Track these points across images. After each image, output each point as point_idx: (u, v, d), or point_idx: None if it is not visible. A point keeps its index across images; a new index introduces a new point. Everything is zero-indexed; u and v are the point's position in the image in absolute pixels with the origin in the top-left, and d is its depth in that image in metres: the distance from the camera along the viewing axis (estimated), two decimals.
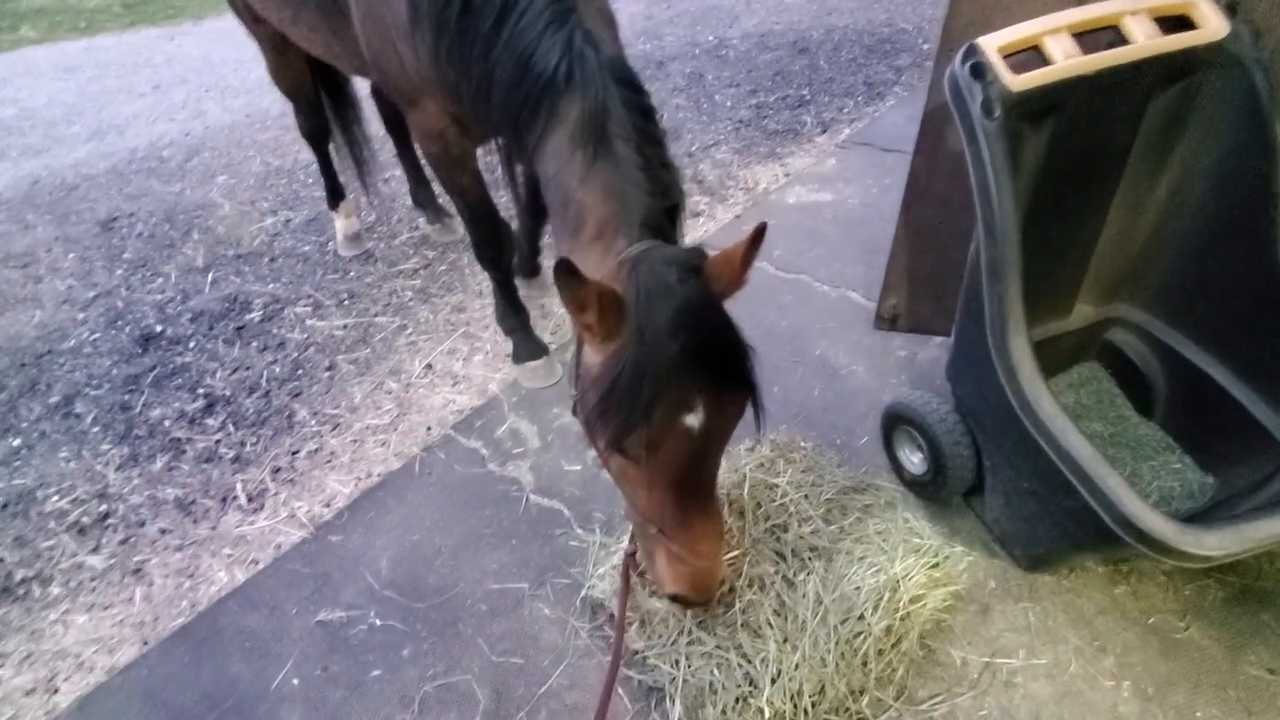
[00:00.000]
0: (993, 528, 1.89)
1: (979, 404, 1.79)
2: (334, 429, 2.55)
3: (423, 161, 3.28)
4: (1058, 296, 2.04)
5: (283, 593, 2.00)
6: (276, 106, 5.44)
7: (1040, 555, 1.77)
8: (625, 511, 1.77)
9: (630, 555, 1.67)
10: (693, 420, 1.18)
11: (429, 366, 2.79)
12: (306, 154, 4.57)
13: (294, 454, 2.47)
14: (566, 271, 1.11)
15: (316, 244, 3.71)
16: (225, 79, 6.48)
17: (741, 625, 1.58)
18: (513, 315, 2.64)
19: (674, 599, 1.48)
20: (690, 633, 1.60)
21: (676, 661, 1.57)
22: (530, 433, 2.43)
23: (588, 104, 1.43)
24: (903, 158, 2.13)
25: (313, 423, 2.59)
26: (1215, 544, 1.29)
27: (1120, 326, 2.09)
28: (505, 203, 3.03)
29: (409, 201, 3.73)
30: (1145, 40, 1.56)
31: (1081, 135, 1.69)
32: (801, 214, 3.47)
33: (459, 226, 3.58)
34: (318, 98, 3.19)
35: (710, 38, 6.23)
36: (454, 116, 2.01)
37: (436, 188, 3.55)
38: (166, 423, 2.67)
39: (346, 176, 3.50)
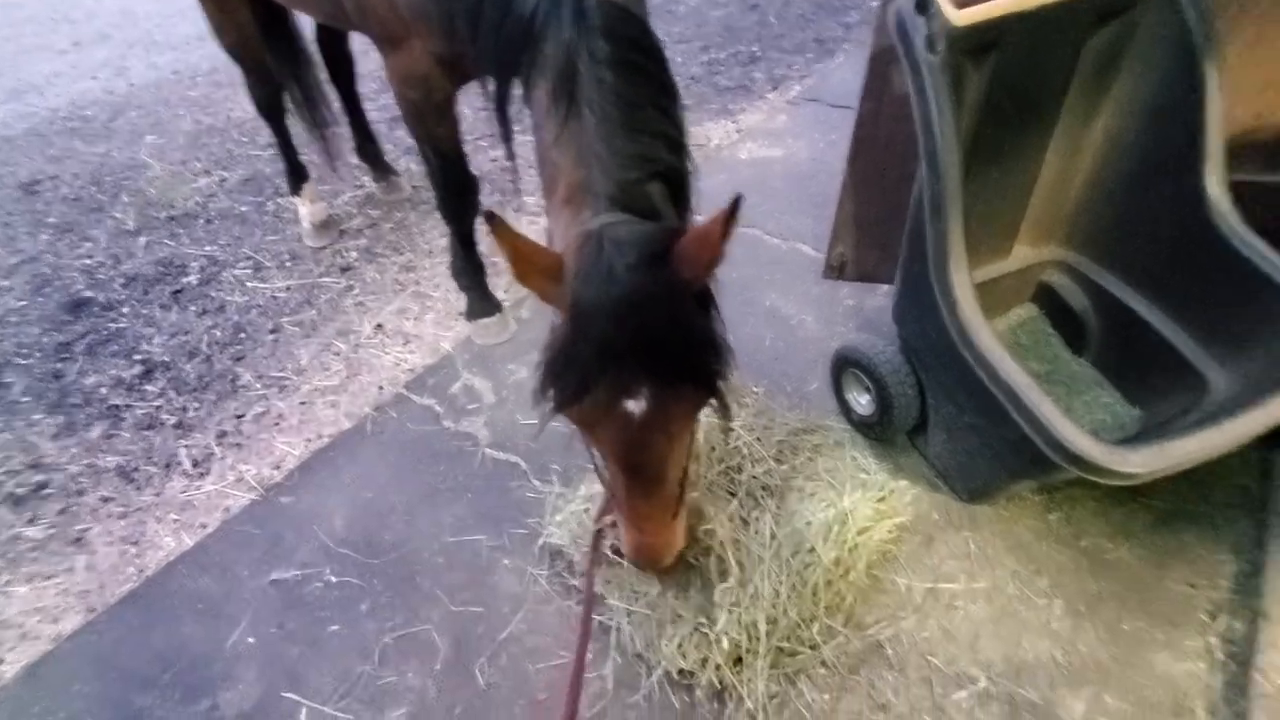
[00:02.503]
0: (935, 463, 1.94)
1: (922, 342, 1.81)
2: (280, 392, 2.45)
3: (373, 113, 3.00)
4: (997, 239, 2.07)
5: (233, 554, 1.93)
6: (206, 63, 5.11)
7: (979, 487, 1.82)
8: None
9: (598, 532, 1.65)
10: (633, 407, 1.09)
11: (379, 326, 2.69)
12: (240, 110, 4.33)
13: (239, 418, 2.37)
14: (499, 223, 1.01)
15: (254, 204, 3.52)
16: (150, 34, 6.03)
17: (698, 560, 1.59)
18: (470, 272, 2.53)
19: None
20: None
21: (633, 596, 1.58)
22: (485, 389, 2.38)
23: (560, 57, 1.30)
24: (851, 114, 2.10)
25: (258, 386, 2.48)
26: (1140, 462, 1.34)
27: (1055, 268, 2.13)
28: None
29: (353, 158, 3.55)
30: None
31: (1020, 74, 1.68)
32: (753, 169, 3.44)
33: (406, 184, 3.44)
34: (265, 55, 2.85)
35: None
36: (438, 58, 1.84)
37: (386, 144, 3.39)
38: (103, 390, 2.52)
39: (309, 154, 3.18)
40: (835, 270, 2.57)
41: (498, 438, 2.18)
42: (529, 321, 2.63)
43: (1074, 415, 1.95)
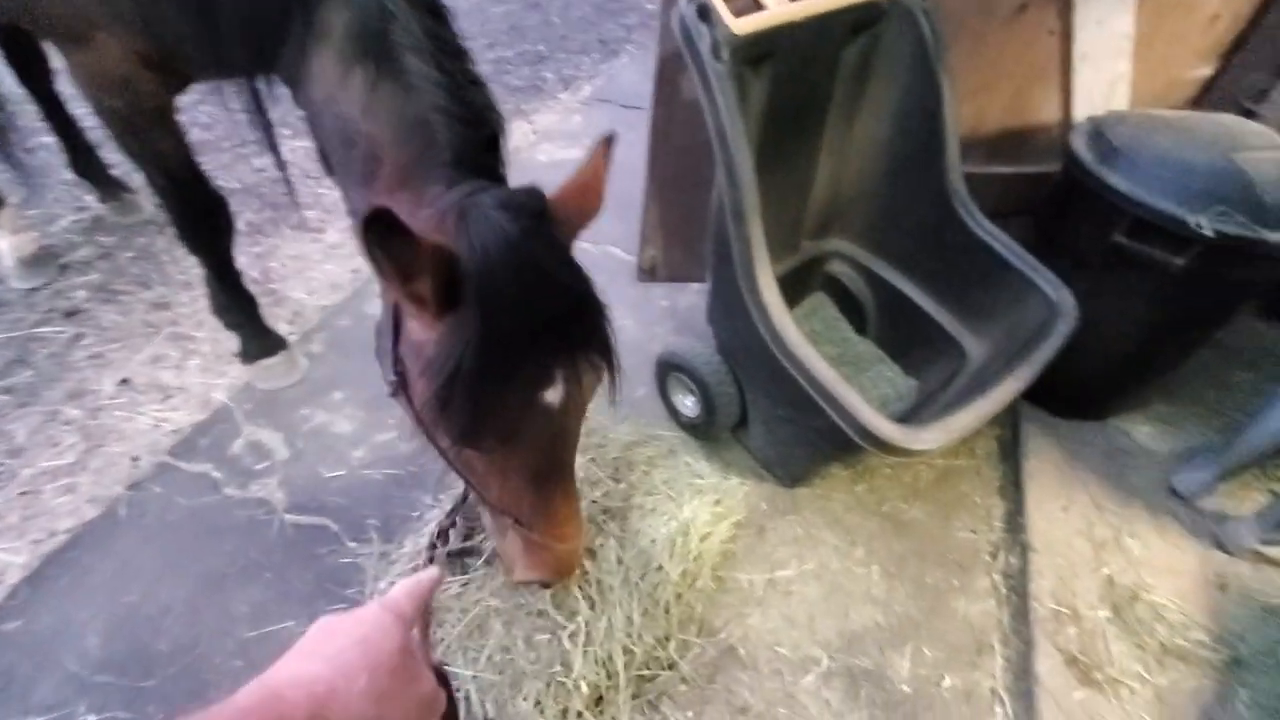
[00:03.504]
0: (757, 455, 2.00)
1: (736, 343, 1.84)
2: None
3: (90, 117, 2.35)
4: (787, 235, 2.17)
5: None
6: None
7: (798, 472, 1.91)
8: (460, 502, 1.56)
9: (429, 555, 1.46)
10: (553, 397, 0.96)
11: (125, 382, 2.18)
12: None
13: None
14: (385, 226, 0.77)
15: None
16: None
17: (548, 604, 1.47)
18: (235, 307, 2.10)
19: (525, 582, 1.26)
20: (483, 625, 1.45)
21: (475, 658, 1.41)
22: (275, 442, 2.02)
23: (357, 11, 1.08)
24: (644, 114, 2.07)
25: None
26: (931, 439, 1.46)
27: (836, 258, 2.29)
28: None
29: (69, 175, 2.84)
30: None
31: (794, 82, 1.75)
32: (554, 172, 3.26)
33: (145, 202, 2.82)
34: None
35: None
36: (143, 56, 1.45)
37: (114, 154, 2.75)
38: None
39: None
40: (648, 273, 2.56)
41: (297, 499, 1.86)
42: (322, 356, 2.29)
43: (864, 391, 2.13)
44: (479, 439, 0.96)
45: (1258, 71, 2.02)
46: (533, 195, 0.97)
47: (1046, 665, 1.56)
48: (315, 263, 2.74)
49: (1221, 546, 1.80)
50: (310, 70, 1.15)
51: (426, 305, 0.88)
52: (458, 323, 0.89)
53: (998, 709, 1.53)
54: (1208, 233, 1.60)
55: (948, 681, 1.57)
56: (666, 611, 1.53)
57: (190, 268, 2.57)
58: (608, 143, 1.03)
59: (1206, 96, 2.16)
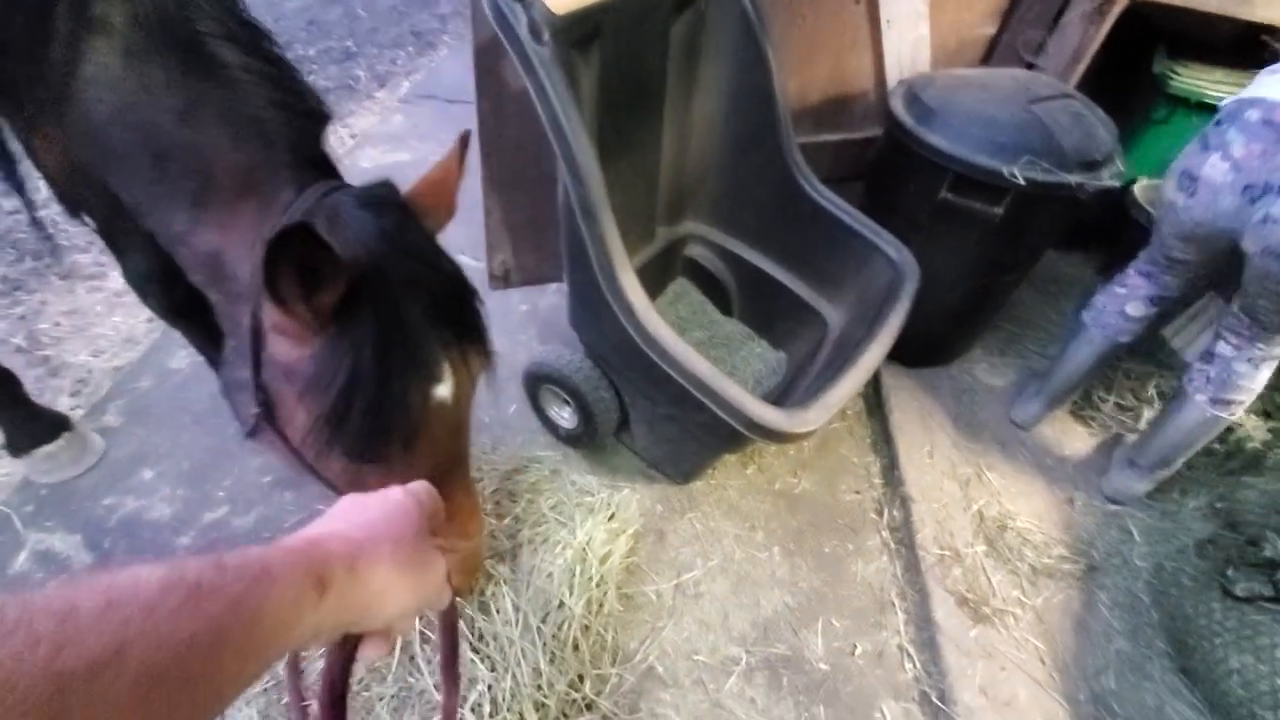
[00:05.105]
0: (644, 455, 1.88)
1: (604, 345, 1.69)
2: None
3: None
4: (641, 224, 2.04)
5: None
6: None
7: (688, 468, 1.81)
8: None
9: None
10: (446, 390, 0.91)
11: None
12: None
13: None
14: (308, 236, 0.70)
15: None
16: None
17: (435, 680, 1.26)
18: None
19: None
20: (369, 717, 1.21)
21: None
22: (72, 547, 1.60)
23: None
24: (471, 109, 1.84)
25: None
26: (814, 418, 1.40)
27: (693, 241, 2.21)
28: None
29: None
30: None
31: (625, 63, 1.61)
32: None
33: None
34: None
35: None
36: None
37: None
38: None
39: None
40: (501, 280, 2.33)
41: None
42: (122, 429, 1.86)
43: (738, 372, 2.08)
44: (382, 449, 0.88)
45: (1034, 28, 2.17)
46: (391, 189, 0.93)
47: (942, 610, 1.59)
48: (98, 316, 2.24)
49: (1112, 499, 1.87)
50: (85, 74, 0.88)
51: (318, 319, 0.80)
52: (342, 331, 0.82)
53: (908, 665, 1.54)
54: (1020, 181, 1.67)
55: (859, 648, 1.56)
56: (576, 649, 1.38)
57: None
58: (464, 141, 1.00)
59: (993, 53, 2.29)
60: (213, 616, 0.34)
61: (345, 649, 0.50)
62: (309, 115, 0.97)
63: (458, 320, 0.92)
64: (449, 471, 0.99)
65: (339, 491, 0.98)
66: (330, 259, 0.74)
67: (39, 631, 0.28)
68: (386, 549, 0.48)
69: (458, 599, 1.28)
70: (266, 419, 0.93)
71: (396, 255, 0.84)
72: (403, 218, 0.88)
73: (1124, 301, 1.79)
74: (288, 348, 0.86)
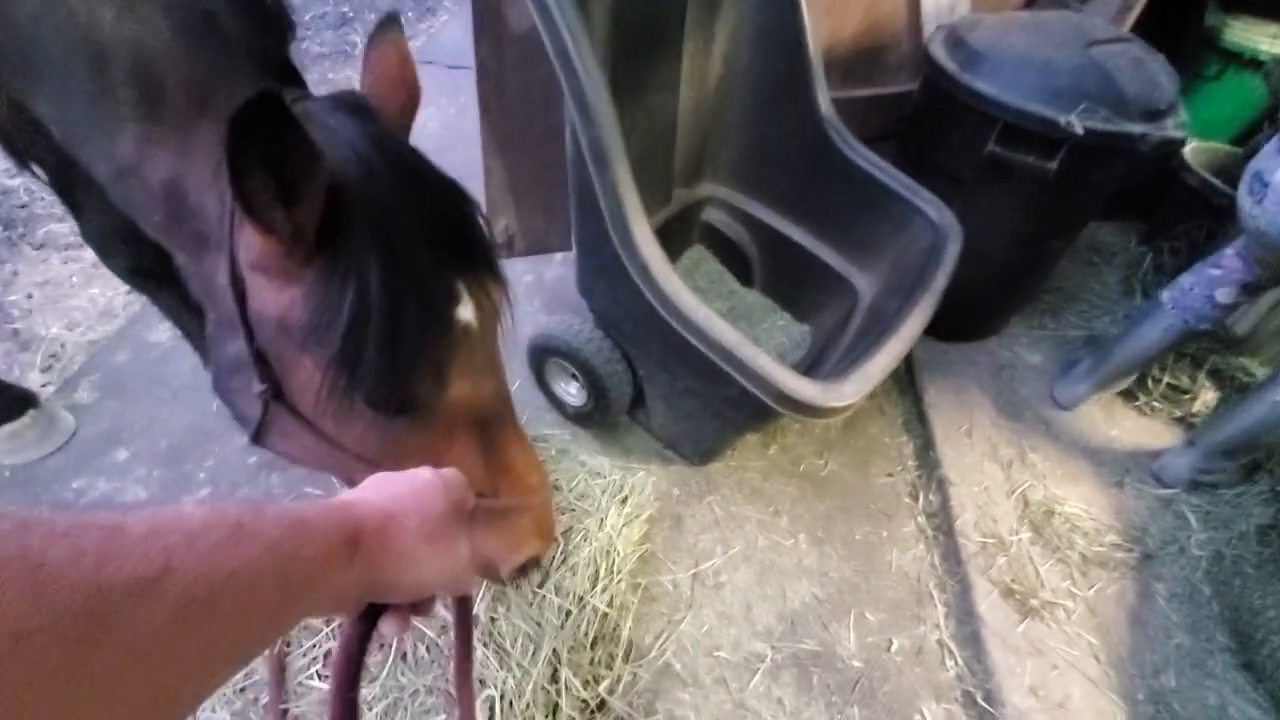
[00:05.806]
0: (660, 435, 1.73)
1: (618, 312, 1.53)
2: None
3: None
4: (655, 184, 1.87)
5: None
6: None
7: (708, 448, 1.66)
8: None
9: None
10: (467, 313, 0.76)
11: None
12: None
13: None
14: (279, 109, 0.54)
15: None
16: None
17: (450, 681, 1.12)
18: None
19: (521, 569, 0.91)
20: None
21: None
22: None
23: None
24: (472, 75, 1.67)
25: None
26: (852, 391, 1.25)
27: (712, 205, 2.04)
28: None
29: None
30: None
31: (639, 4, 1.44)
32: None
33: None
34: None
35: None
36: None
37: None
38: None
39: None
40: (505, 248, 2.16)
41: None
42: (95, 406, 1.71)
43: (760, 346, 1.92)
44: (410, 388, 0.74)
45: None
46: (358, 96, 0.79)
47: (986, 603, 1.44)
48: (75, 288, 2.09)
49: (1160, 481, 1.73)
50: None
51: (302, 239, 0.66)
52: (335, 259, 0.68)
53: (949, 662, 1.40)
54: (1078, 130, 1.49)
55: (895, 644, 1.42)
56: (593, 645, 1.24)
57: None
58: (390, 21, 0.84)
59: (1038, 2, 2.10)
60: (251, 558, 0.34)
61: (365, 622, 0.49)
62: (263, 18, 0.81)
63: (461, 236, 0.78)
64: (494, 421, 0.84)
65: (373, 467, 0.80)
66: (307, 151, 0.60)
67: (86, 543, 0.28)
68: (414, 520, 0.48)
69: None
70: (276, 396, 0.77)
71: (386, 164, 0.70)
72: (377, 126, 0.74)
73: (1215, 285, 1.60)
74: (275, 292, 0.71)
